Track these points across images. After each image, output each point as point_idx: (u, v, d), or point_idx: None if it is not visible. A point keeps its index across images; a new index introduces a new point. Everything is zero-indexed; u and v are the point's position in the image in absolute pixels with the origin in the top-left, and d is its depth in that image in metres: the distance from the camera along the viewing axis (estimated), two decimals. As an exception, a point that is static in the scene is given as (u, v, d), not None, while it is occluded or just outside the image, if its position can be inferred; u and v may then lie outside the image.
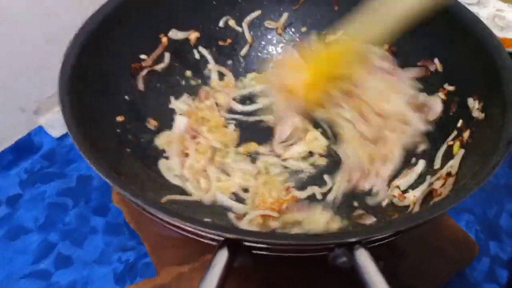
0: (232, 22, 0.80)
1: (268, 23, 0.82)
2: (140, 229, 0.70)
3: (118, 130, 0.63)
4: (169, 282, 0.64)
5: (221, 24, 0.79)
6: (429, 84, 0.68)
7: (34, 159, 0.83)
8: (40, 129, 0.85)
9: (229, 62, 0.81)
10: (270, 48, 0.83)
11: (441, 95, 0.65)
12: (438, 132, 0.64)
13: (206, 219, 0.56)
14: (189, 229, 0.40)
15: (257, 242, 0.39)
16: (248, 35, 0.81)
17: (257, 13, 0.81)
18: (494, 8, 0.98)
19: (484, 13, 0.97)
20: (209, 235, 0.39)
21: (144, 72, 0.71)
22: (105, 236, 0.72)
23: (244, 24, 0.81)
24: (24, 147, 0.83)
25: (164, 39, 0.73)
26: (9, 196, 0.78)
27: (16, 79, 0.78)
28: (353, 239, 0.38)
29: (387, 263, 0.62)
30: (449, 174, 0.55)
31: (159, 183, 0.64)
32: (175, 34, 0.74)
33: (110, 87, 0.65)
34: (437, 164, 0.60)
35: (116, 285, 0.67)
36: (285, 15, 0.82)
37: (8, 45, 0.74)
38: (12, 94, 0.78)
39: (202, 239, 0.42)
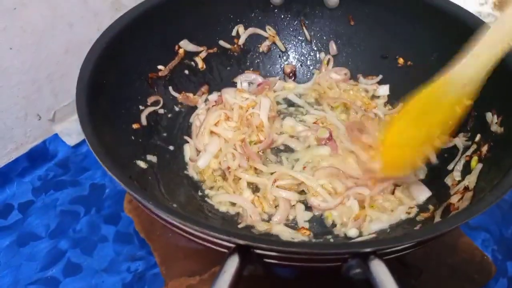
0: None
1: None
2: (151, 239, 0.69)
3: (133, 138, 0.63)
4: (177, 293, 0.63)
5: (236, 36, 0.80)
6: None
7: (48, 167, 0.84)
8: (55, 137, 0.86)
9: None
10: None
11: (457, 109, 0.64)
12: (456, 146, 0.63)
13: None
14: (200, 234, 0.39)
15: (268, 250, 0.38)
16: (242, 41, 0.81)
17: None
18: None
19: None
20: (220, 241, 0.39)
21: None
22: (115, 245, 0.72)
23: (247, 31, 0.81)
24: (39, 155, 0.84)
25: (181, 51, 0.74)
26: (21, 202, 0.78)
27: (34, 87, 0.79)
28: (368, 249, 0.37)
29: (404, 283, 0.61)
30: (466, 189, 0.54)
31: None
32: (186, 45, 0.75)
33: (127, 96, 0.65)
34: (457, 176, 0.59)
35: (124, 295, 0.67)
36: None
37: (30, 54, 0.76)
38: (30, 101, 0.80)
39: (213, 246, 0.41)
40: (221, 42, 0.79)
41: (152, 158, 0.65)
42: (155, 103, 0.70)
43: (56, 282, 0.68)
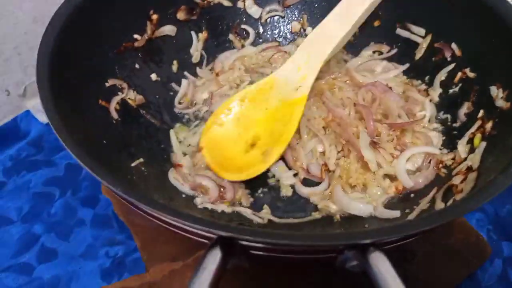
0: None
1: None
2: (130, 223, 0.65)
3: (103, 114, 0.58)
4: (159, 279, 0.60)
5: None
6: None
7: (20, 146, 0.79)
8: (27, 113, 0.81)
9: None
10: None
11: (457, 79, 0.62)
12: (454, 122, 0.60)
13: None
14: (178, 224, 0.35)
15: (254, 242, 0.34)
16: None
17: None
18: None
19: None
20: (200, 232, 0.34)
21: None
22: (92, 229, 0.68)
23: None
24: (10, 133, 0.79)
25: (155, 16, 0.68)
26: (-9, 184, 0.74)
27: (1, 60, 0.73)
28: (367, 241, 0.33)
29: (398, 268, 0.58)
30: (469, 169, 0.50)
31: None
32: None
33: (98, 69, 0.60)
34: (463, 154, 0.55)
35: (102, 281, 0.63)
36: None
37: (-4, 24, 0.70)
38: (-3, 75, 0.74)
39: (193, 236, 0.37)
40: None
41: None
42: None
43: (30, 269, 0.64)
